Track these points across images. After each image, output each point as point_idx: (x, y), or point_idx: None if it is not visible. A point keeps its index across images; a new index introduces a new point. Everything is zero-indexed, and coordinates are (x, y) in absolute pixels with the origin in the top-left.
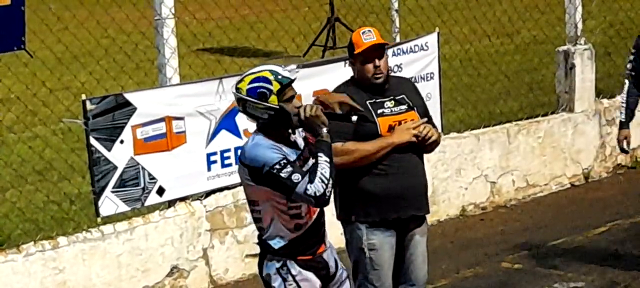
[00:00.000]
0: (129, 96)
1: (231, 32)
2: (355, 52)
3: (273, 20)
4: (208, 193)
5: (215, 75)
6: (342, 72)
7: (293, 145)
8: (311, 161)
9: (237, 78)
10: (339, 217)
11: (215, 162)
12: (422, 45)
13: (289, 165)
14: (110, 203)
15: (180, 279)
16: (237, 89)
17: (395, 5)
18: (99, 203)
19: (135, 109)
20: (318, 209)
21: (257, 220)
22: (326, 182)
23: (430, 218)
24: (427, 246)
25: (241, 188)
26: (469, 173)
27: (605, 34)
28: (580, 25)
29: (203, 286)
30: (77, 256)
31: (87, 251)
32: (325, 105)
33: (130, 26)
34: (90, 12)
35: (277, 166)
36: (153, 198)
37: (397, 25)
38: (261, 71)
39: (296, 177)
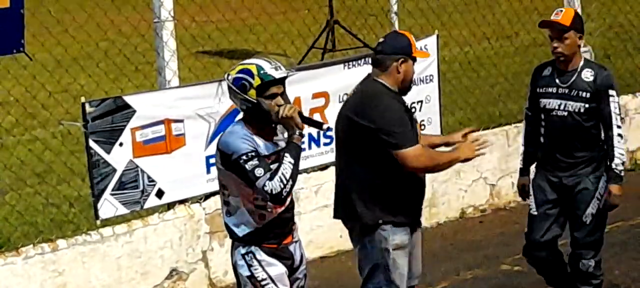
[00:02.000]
0: (128, 99)
1: (230, 35)
2: (414, 53)
3: (272, 23)
4: (207, 196)
5: (215, 78)
6: (341, 75)
7: (270, 141)
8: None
9: None
10: (362, 223)
11: (214, 164)
12: (421, 48)
13: (255, 159)
14: (109, 205)
15: (179, 282)
16: (227, 75)
17: (395, 7)
18: (98, 205)
19: (134, 111)
20: (287, 201)
21: (225, 204)
22: (285, 182)
23: (430, 221)
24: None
25: None
26: (469, 175)
27: (604, 36)
28: None
29: None
30: (77, 259)
31: (86, 254)
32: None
33: (129, 29)
34: (89, 14)
35: (244, 157)
36: (152, 201)
37: (397, 27)
38: (250, 63)
39: (259, 171)
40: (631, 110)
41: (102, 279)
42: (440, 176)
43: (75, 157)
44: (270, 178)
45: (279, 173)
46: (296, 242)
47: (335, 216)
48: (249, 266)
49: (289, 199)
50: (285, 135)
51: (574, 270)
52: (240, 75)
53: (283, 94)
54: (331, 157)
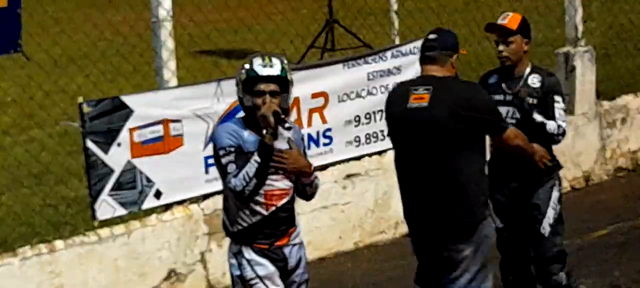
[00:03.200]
0: (126, 99)
1: (229, 35)
2: (459, 50)
3: (271, 23)
4: (205, 197)
5: (213, 78)
6: (340, 75)
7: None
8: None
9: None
10: (465, 222)
11: (212, 165)
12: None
13: (232, 154)
14: (107, 206)
15: (177, 283)
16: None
17: (395, 7)
18: (96, 206)
19: (132, 111)
20: (280, 203)
21: (224, 199)
22: (247, 180)
23: None
24: None
25: None
26: None
27: (605, 36)
28: (580, 27)
29: None
30: (74, 260)
31: (83, 255)
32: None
33: (127, 28)
34: (87, 14)
35: (222, 151)
36: (150, 202)
37: (396, 27)
38: (248, 58)
39: (231, 167)
40: (632, 110)
41: (99, 280)
42: None
43: (73, 158)
44: (235, 175)
45: (244, 171)
46: (294, 245)
47: (414, 223)
48: (239, 265)
49: (279, 186)
50: (286, 134)
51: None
52: (239, 69)
53: (282, 94)
54: (330, 157)
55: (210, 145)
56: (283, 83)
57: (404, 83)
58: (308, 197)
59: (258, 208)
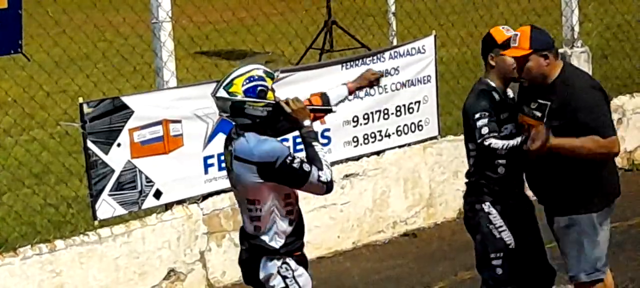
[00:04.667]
0: (126, 99)
1: (228, 35)
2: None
3: (270, 23)
4: (205, 196)
5: (213, 78)
6: (339, 76)
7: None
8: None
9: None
10: (566, 209)
11: (212, 165)
12: (419, 48)
13: (297, 157)
14: (107, 206)
15: (177, 282)
16: (230, 93)
17: (392, 8)
18: (96, 206)
19: (132, 112)
20: (298, 203)
21: (254, 219)
22: (330, 166)
23: (427, 221)
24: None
25: None
26: None
27: (601, 36)
28: (576, 28)
29: None
30: (74, 259)
31: (84, 254)
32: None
33: (127, 29)
34: (87, 15)
35: (289, 157)
36: (150, 202)
37: (394, 28)
38: (249, 71)
39: (306, 166)
40: (628, 111)
41: (99, 280)
42: (438, 176)
43: (73, 158)
44: (320, 168)
45: (324, 162)
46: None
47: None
48: (284, 278)
49: None
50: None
51: None
52: (252, 83)
53: None
54: (329, 157)
55: (210, 146)
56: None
57: None
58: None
59: (294, 216)
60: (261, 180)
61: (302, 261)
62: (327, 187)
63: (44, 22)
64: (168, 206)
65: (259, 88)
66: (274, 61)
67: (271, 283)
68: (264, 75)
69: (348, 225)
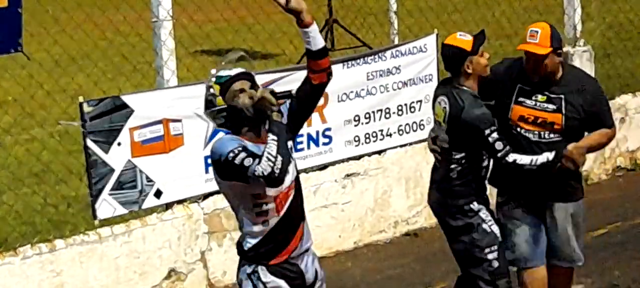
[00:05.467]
0: (127, 98)
1: (229, 34)
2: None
3: (271, 22)
4: (206, 196)
5: None
6: (340, 74)
7: (261, 142)
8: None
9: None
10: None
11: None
12: (420, 47)
13: (243, 152)
14: (107, 206)
15: (177, 282)
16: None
17: (394, 7)
18: (96, 205)
19: (132, 111)
20: (285, 208)
21: (237, 220)
22: (273, 160)
23: (428, 221)
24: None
25: None
26: None
27: (604, 35)
28: (579, 27)
29: None
30: (75, 259)
31: (84, 254)
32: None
33: (127, 28)
34: (87, 14)
35: (231, 154)
36: (150, 201)
37: (396, 27)
38: (206, 81)
39: (248, 161)
40: (631, 110)
41: (100, 279)
42: None
43: (73, 157)
44: (258, 163)
45: (265, 154)
46: (306, 252)
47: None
48: (254, 287)
49: (285, 184)
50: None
51: None
52: (204, 97)
53: (253, 87)
54: (329, 157)
55: (211, 145)
56: (251, 78)
57: None
58: (327, 76)
59: (269, 216)
60: (220, 179)
61: (286, 274)
62: (265, 180)
63: (44, 20)
64: (168, 205)
65: (207, 99)
66: (246, 60)
67: (241, 286)
68: (212, 82)
69: (349, 225)
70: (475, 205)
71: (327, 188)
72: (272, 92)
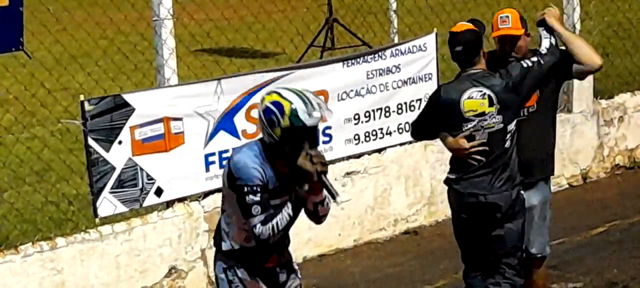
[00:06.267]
0: (127, 97)
1: (229, 33)
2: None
3: (271, 21)
4: (206, 194)
5: (214, 76)
6: (340, 73)
7: (285, 172)
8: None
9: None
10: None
11: (213, 162)
12: (420, 46)
13: (258, 194)
14: (108, 204)
15: (178, 280)
16: (262, 100)
17: (394, 5)
18: (97, 204)
19: (133, 109)
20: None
21: (222, 211)
22: (275, 232)
23: (428, 219)
24: None
25: None
26: None
27: (603, 34)
28: (578, 26)
29: (201, 286)
30: (75, 257)
31: (85, 252)
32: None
33: (128, 27)
34: (88, 13)
35: (247, 188)
36: (151, 199)
37: (395, 26)
38: (286, 98)
39: (256, 209)
40: (630, 109)
41: (101, 277)
42: (439, 174)
43: (74, 155)
44: (263, 223)
45: (274, 222)
46: (283, 263)
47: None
48: (230, 282)
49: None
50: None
51: None
52: (272, 107)
53: (314, 135)
54: (329, 155)
55: (211, 144)
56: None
57: None
58: (319, 219)
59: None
60: (227, 183)
61: (259, 274)
62: (255, 239)
63: (45, 19)
64: (169, 204)
65: (271, 116)
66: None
67: (220, 283)
68: (287, 111)
69: (349, 223)
70: (523, 193)
71: None
72: (324, 174)
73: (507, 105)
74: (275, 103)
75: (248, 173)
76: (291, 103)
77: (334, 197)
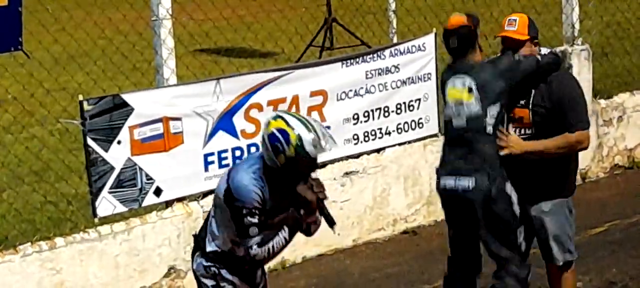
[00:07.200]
0: (126, 97)
1: (228, 33)
2: None
3: (270, 21)
4: (205, 194)
5: (213, 76)
6: (339, 73)
7: (276, 194)
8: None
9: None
10: (552, 193)
11: (212, 162)
12: (419, 46)
13: (255, 216)
14: (107, 203)
15: (177, 279)
16: (267, 124)
17: (393, 5)
18: (96, 203)
19: (132, 109)
20: None
21: (212, 216)
22: (270, 254)
23: (427, 219)
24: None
25: None
26: None
27: (602, 34)
28: (577, 26)
29: None
30: (74, 257)
31: (84, 252)
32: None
33: (127, 27)
34: (87, 12)
35: (245, 210)
36: (150, 199)
37: (394, 26)
38: (292, 128)
39: (253, 231)
40: (629, 109)
41: (100, 277)
42: None
43: (73, 155)
44: (260, 245)
45: (270, 245)
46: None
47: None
48: (214, 276)
49: None
50: None
51: None
52: (278, 135)
53: (316, 164)
54: (327, 156)
55: (210, 143)
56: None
57: None
58: (310, 233)
59: (243, 251)
60: (222, 198)
61: (238, 274)
62: (250, 259)
63: (44, 19)
64: (168, 203)
65: (276, 143)
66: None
67: (203, 279)
68: (293, 141)
69: (348, 223)
70: (508, 188)
71: (326, 186)
72: (320, 202)
73: (488, 93)
74: (281, 130)
75: (248, 196)
76: (297, 132)
77: (331, 226)
